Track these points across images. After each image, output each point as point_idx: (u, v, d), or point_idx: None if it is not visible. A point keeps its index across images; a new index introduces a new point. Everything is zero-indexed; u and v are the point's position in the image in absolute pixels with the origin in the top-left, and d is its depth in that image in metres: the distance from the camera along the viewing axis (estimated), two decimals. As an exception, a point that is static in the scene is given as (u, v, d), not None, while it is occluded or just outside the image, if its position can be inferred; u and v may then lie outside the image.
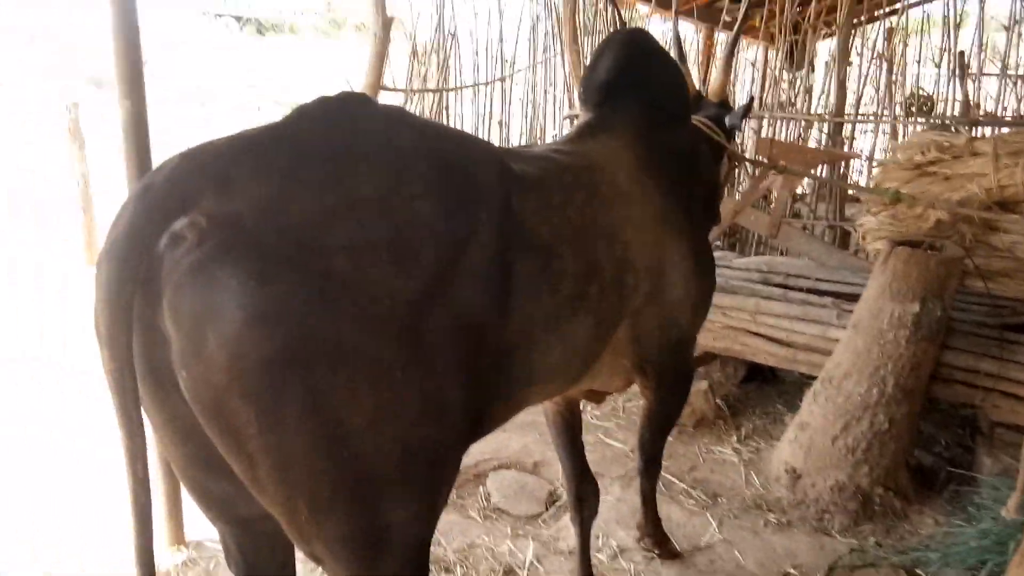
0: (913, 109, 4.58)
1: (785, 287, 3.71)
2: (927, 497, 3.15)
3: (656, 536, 2.71)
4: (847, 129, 4.91)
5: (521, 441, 3.66)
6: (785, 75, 5.21)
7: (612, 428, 3.82)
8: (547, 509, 3.16)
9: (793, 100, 4.93)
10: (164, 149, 1.64)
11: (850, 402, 3.12)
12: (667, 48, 2.52)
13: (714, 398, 3.82)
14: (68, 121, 6.70)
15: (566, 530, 2.96)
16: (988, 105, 5.53)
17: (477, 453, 3.43)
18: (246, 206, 1.06)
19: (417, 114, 4.51)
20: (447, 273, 1.21)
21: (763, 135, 4.78)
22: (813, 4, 5.62)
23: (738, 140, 5.07)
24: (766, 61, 5.61)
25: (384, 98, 3.51)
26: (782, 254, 4.52)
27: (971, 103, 4.59)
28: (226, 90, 12.49)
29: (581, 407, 2.56)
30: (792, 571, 2.66)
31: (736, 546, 2.81)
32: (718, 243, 4.79)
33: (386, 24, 2.94)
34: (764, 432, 3.75)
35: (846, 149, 4.63)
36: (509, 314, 1.38)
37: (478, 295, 1.27)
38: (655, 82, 2.16)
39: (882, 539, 2.92)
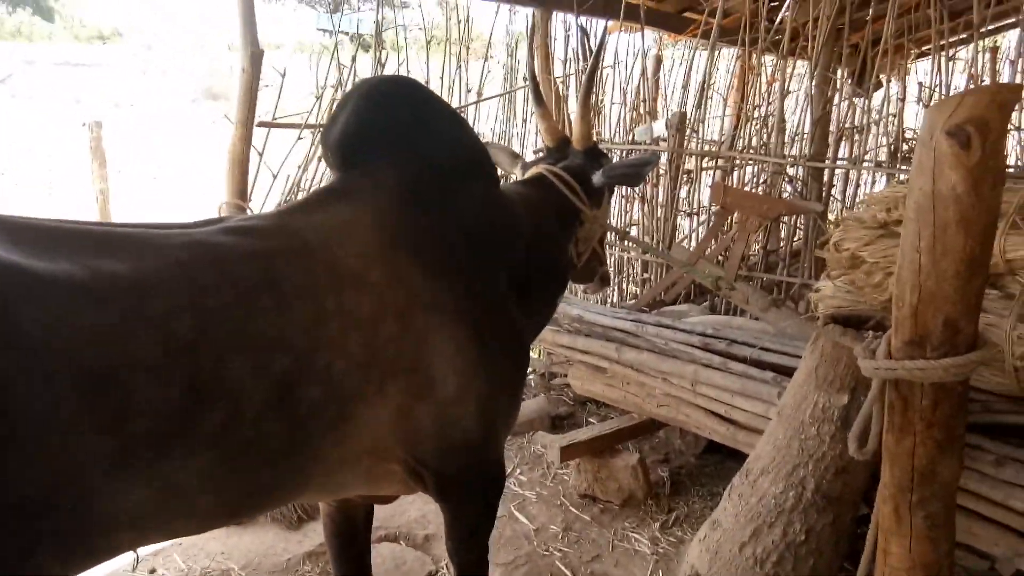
0: (899, 155, 3.91)
1: (729, 355, 3.24)
2: (856, 625, 2.62)
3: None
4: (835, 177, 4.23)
5: (422, 509, 3.37)
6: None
7: (530, 499, 3.45)
8: (417, 594, 2.85)
9: (765, 140, 4.32)
10: None
11: (763, 504, 2.64)
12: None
13: (645, 475, 3.38)
14: (90, 139, 6.95)
15: (416, 625, 2.65)
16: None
17: (365, 520, 3.15)
18: None
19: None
20: None
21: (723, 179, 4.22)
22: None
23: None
24: (743, 91, 4.95)
25: (274, 133, 3.26)
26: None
27: None
28: None
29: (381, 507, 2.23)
30: None
31: (592, 669, 2.41)
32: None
33: (255, 58, 2.72)
34: (698, 519, 3.28)
35: (821, 199, 4.00)
36: (28, 464, 1.12)
37: None
38: (422, 138, 1.81)
39: (784, 675, 2.43)
